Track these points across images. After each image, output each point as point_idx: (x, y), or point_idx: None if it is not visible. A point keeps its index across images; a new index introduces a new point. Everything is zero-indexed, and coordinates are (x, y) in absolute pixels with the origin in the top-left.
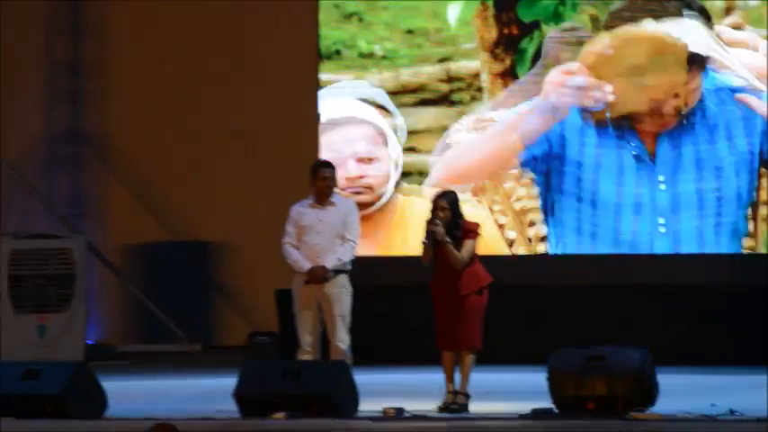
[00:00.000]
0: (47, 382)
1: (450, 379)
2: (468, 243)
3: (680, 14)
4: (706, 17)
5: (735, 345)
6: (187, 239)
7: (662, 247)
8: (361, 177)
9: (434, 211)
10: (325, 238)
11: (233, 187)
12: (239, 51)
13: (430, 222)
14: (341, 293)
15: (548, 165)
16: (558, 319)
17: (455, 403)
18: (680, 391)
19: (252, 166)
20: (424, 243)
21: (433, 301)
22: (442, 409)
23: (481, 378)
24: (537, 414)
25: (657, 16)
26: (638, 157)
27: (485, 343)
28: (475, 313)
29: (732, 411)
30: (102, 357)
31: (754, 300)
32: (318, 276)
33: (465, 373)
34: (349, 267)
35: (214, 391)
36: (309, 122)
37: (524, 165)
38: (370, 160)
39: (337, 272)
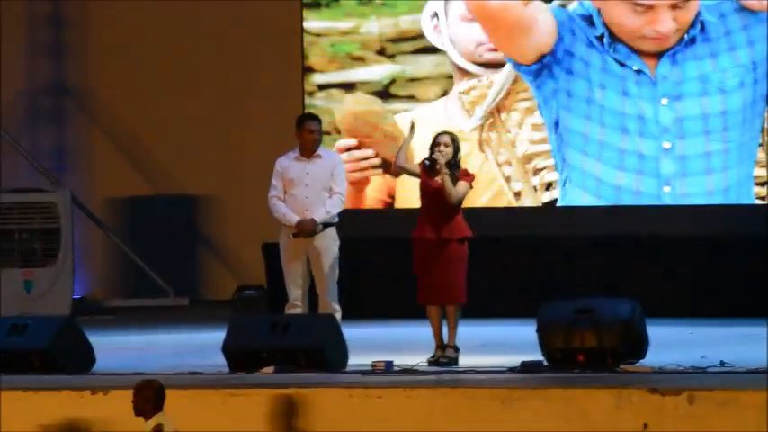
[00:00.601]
0: (33, 336)
1: (437, 333)
2: (462, 184)
3: None
4: None
5: (727, 296)
6: (173, 193)
7: (667, 168)
8: None
9: (436, 146)
10: (313, 191)
11: (219, 140)
12: (224, 4)
13: (429, 157)
14: (329, 246)
15: (555, 81)
16: (553, 272)
17: (444, 356)
18: (670, 343)
19: (238, 119)
20: (423, 163)
21: (414, 253)
22: (431, 362)
23: (471, 331)
24: (526, 367)
25: None
26: (640, 78)
27: (474, 295)
28: (456, 264)
29: (723, 363)
30: (88, 312)
31: (748, 251)
32: (307, 229)
33: (452, 325)
34: (337, 220)
35: (202, 345)
36: (295, 73)
37: (534, 74)
38: None
39: (326, 225)
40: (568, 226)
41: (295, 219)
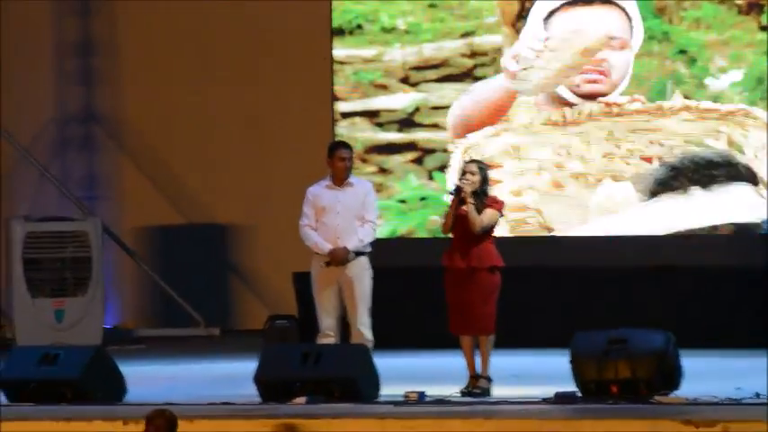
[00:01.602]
0: (65, 366)
1: (471, 363)
2: (489, 211)
3: None
4: None
5: (761, 327)
6: (203, 222)
7: None
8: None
9: (463, 175)
10: (345, 219)
11: (249, 168)
12: (253, 31)
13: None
14: (362, 275)
15: None
16: (582, 302)
17: (478, 387)
18: (705, 373)
19: (268, 147)
20: (450, 195)
21: (445, 282)
22: (464, 393)
23: (504, 361)
24: (560, 398)
25: None
26: None
27: (507, 326)
28: (487, 293)
29: (758, 395)
30: (119, 342)
31: None
32: (340, 258)
33: (484, 356)
34: (369, 249)
35: (233, 375)
36: (324, 101)
37: None
38: None
39: (358, 253)
40: (601, 255)
41: (327, 247)
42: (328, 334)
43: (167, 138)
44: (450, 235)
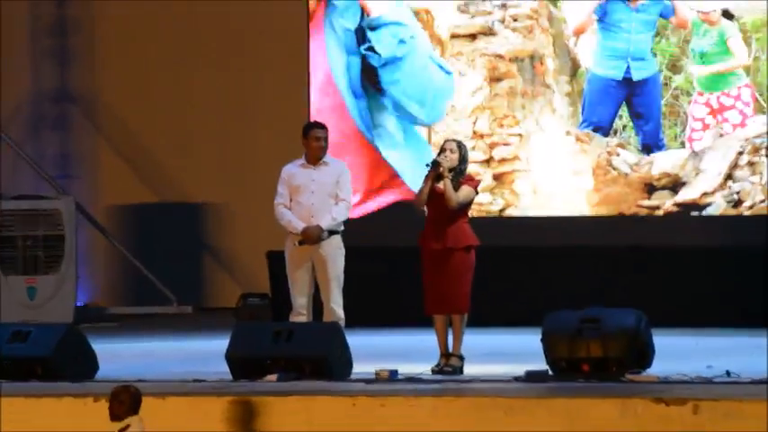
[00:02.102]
0: (36, 344)
1: (442, 342)
2: (465, 188)
3: None
4: None
5: (732, 307)
6: (177, 201)
7: None
8: None
9: (442, 152)
10: (319, 198)
11: (224, 148)
12: (230, 11)
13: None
14: (335, 254)
15: None
16: (554, 281)
17: (449, 365)
18: (676, 352)
19: (243, 127)
20: (428, 168)
21: (421, 257)
22: (435, 371)
23: (475, 340)
24: (531, 376)
25: None
26: None
27: (479, 304)
28: (462, 273)
29: (728, 373)
30: (92, 319)
31: (752, 261)
32: (313, 236)
33: (457, 334)
34: (342, 228)
35: (205, 353)
36: (300, 81)
37: None
38: None
39: (331, 232)
40: (572, 235)
41: (301, 226)
42: (301, 312)
43: (142, 117)
44: (425, 211)
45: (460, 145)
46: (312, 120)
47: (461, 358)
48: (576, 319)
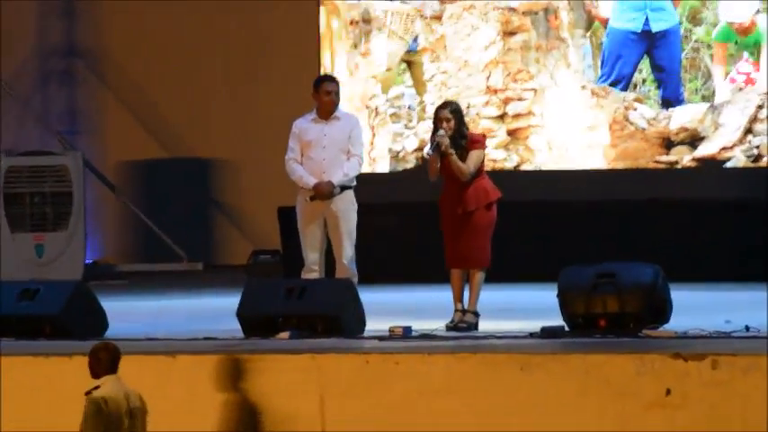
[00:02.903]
0: (45, 301)
1: (458, 297)
2: (474, 154)
3: None
4: None
5: (751, 261)
6: (187, 156)
7: None
8: None
9: (437, 122)
10: (331, 153)
11: (234, 102)
12: None
13: (434, 134)
14: (347, 210)
15: None
16: (569, 236)
17: (464, 321)
18: (694, 307)
19: (253, 81)
20: (428, 155)
21: (441, 218)
22: (450, 327)
23: (490, 296)
24: (547, 332)
25: None
26: None
27: (494, 260)
28: (483, 229)
29: (747, 328)
30: (101, 277)
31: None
32: (325, 192)
33: (474, 290)
34: (354, 183)
35: (216, 310)
36: (311, 35)
37: None
38: None
39: (343, 188)
40: (587, 189)
41: (312, 181)
42: (313, 269)
43: (150, 72)
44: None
45: (454, 109)
46: (323, 74)
47: (476, 314)
48: (592, 274)
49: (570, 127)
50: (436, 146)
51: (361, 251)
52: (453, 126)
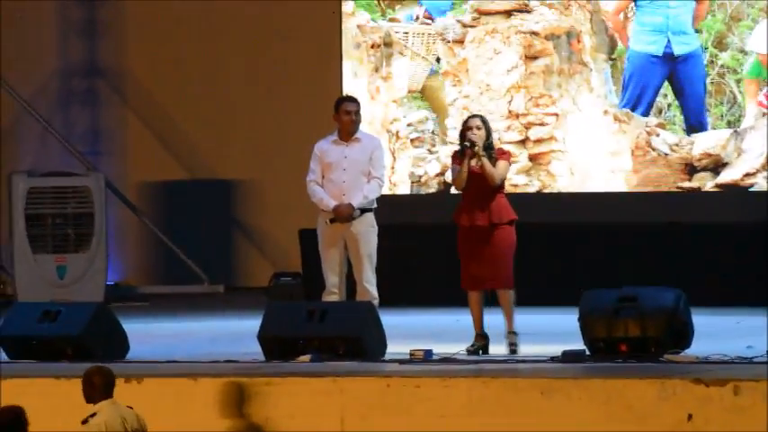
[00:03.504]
0: (66, 323)
1: (478, 320)
2: (502, 164)
3: None
4: None
5: None
6: (209, 177)
7: None
8: None
9: (466, 131)
10: (351, 176)
11: (255, 124)
12: None
13: (462, 142)
14: (368, 232)
15: None
16: (591, 259)
17: (513, 344)
18: (715, 332)
19: (275, 102)
20: (459, 151)
21: (460, 239)
22: (470, 351)
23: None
24: (568, 356)
25: None
26: None
27: (516, 284)
28: (506, 248)
29: None
30: (122, 298)
31: None
32: (345, 214)
33: (508, 311)
34: (375, 206)
35: (237, 333)
36: (333, 56)
37: None
38: None
39: (363, 210)
40: (610, 212)
41: (332, 203)
42: (333, 291)
43: (172, 92)
44: (458, 191)
45: (484, 119)
46: (344, 94)
47: (516, 334)
48: (614, 298)
49: (592, 152)
50: (471, 145)
51: (382, 273)
52: (483, 135)
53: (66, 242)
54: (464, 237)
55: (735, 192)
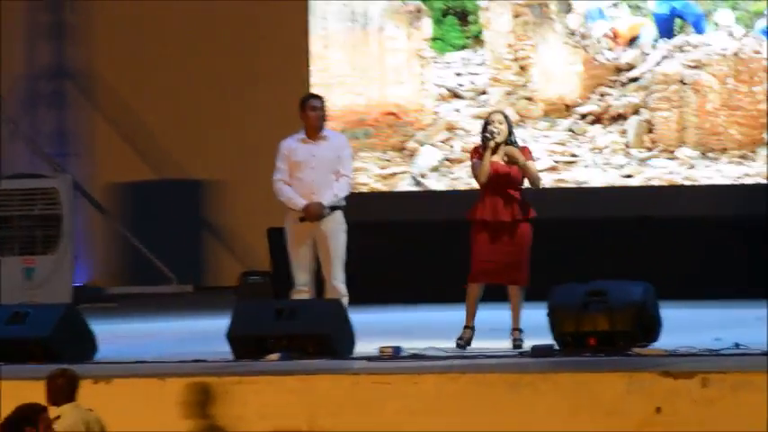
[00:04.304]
0: (34, 325)
1: (471, 313)
2: (532, 164)
3: None
4: None
5: (739, 278)
6: (176, 178)
7: None
8: None
9: (489, 124)
10: (320, 174)
11: (223, 124)
12: None
13: (484, 135)
14: (337, 230)
15: None
16: (559, 253)
17: (518, 339)
18: (684, 325)
19: (242, 102)
20: (481, 145)
21: (476, 230)
22: (460, 344)
23: (480, 315)
24: (537, 351)
25: None
26: None
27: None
28: (526, 245)
29: (737, 345)
30: (90, 300)
31: (758, 232)
32: (315, 213)
33: (517, 308)
34: (344, 203)
35: (206, 332)
36: (300, 54)
37: None
38: None
39: (333, 208)
40: (579, 206)
41: (301, 202)
42: (302, 290)
43: (140, 93)
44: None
45: (506, 115)
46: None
47: (521, 331)
48: (583, 292)
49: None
50: (491, 134)
51: (350, 271)
52: (505, 130)
53: (33, 244)
54: (483, 231)
55: (703, 186)
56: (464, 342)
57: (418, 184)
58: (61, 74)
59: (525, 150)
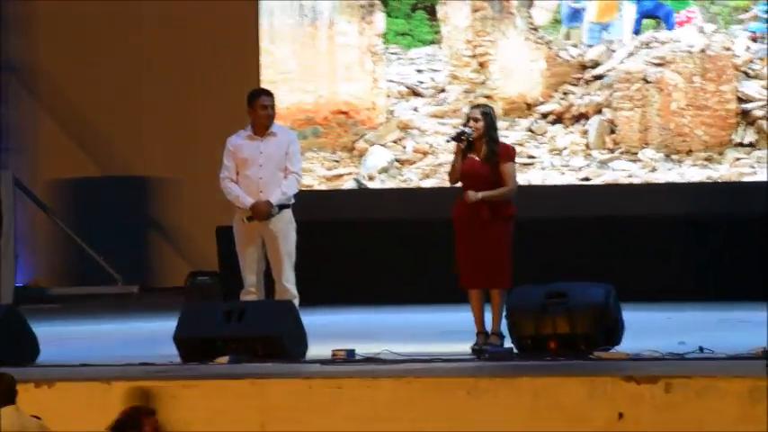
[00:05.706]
0: None
1: (479, 318)
2: (509, 167)
3: None
4: None
5: (704, 280)
6: (121, 174)
7: None
8: None
9: (467, 121)
10: (268, 171)
11: (170, 120)
12: None
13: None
14: (286, 229)
15: None
16: (519, 254)
17: (489, 344)
18: (647, 328)
19: (189, 98)
20: (447, 141)
21: (457, 232)
22: (475, 350)
23: (437, 318)
24: (495, 355)
25: None
26: None
27: (441, 280)
28: (504, 244)
29: (702, 349)
30: (32, 300)
31: (720, 232)
32: (262, 212)
33: (498, 312)
34: (293, 201)
35: (152, 334)
36: (249, 48)
37: None
38: None
39: (281, 207)
40: (542, 205)
41: (249, 201)
42: (252, 291)
43: (85, 88)
44: (459, 184)
45: (485, 112)
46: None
47: (502, 336)
48: (542, 294)
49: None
50: (458, 135)
51: (301, 271)
52: (482, 128)
53: None
54: (463, 231)
55: (668, 185)
56: (479, 348)
57: (363, 187)
58: (2, 66)
59: (508, 149)
